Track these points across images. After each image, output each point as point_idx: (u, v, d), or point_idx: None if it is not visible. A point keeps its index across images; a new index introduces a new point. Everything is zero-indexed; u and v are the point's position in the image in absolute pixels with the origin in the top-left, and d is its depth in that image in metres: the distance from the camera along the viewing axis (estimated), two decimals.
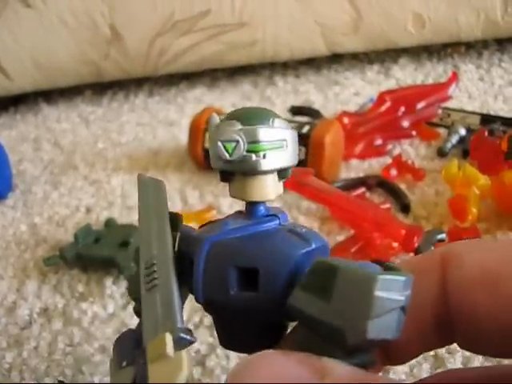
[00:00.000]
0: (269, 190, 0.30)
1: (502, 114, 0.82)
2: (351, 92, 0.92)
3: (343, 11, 0.89)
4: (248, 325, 0.30)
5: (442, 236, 0.55)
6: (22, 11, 0.88)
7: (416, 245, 0.53)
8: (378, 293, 0.24)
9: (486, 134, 0.72)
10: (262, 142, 0.28)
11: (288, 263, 0.28)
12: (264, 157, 0.29)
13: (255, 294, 0.28)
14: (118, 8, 0.88)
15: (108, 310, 0.56)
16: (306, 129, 0.68)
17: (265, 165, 0.29)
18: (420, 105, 0.78)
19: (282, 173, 0.30)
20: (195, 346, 0.50)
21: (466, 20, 0.92)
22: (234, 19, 0.89)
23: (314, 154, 0.66)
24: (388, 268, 0.26)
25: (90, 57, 0.92)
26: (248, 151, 0.28)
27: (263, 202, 0.30)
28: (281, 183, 0.30)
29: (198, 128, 0.72)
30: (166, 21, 0.89)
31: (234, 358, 0.50)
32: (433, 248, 0.54)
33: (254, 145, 0.28)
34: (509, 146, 0.67)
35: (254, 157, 0.29)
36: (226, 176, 0.30)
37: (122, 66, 0.93)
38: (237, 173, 0.30)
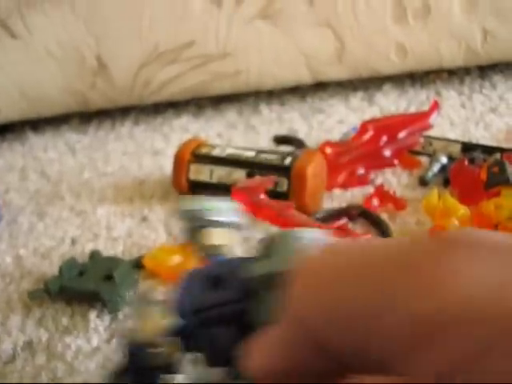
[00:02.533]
0: None
1: (483, 141, 0.84)
2: (335, 120, 0.93)
3: (327, 42, 0.91)
4: None
5: None
6: (8, 42, 0.89)
7: None
8: None
9: (466, 162, 0.73)
10: None
11: None
12: None
13: None
14: (103, 39, 0.89)
15: (92, 343, 0.57)
16: (288, 160, 0.69)
17: None
18: (402, 134, 0.79)
19: None
20: None
21: (448, 49, 0.94)
22: (218, 50, 0.90)
23: (295, 186, 0.67)
24: None
25: (76, 87, 0.92)
26: None
27: None
28: None
29: (183, 159, 0.73)
30: (151, 52, 0.90)
31: None
32: None
33: None
34: (488, 175, 0.69)
35: None
36: None
37: (108, 96, 0.94)
38: None
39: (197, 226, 0.42)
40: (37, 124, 1.02)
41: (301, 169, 0.67)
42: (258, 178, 0.67)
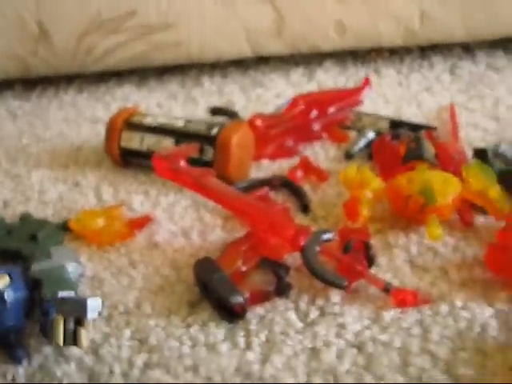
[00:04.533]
0: None
1: (414, 119, 0.86)
2: (273, 93, 0.95)
3: (267, 16, 0.93)
4: None
5: (329, 236, 0.58)
6: None
7: (302, 244, 0.57)
8: None
9: (389, 138, 0.75)
10: None
11: None
12: None
13: None
14: (45, 4, 0.89)
15: None
16: (214, 130, 0.71)
17: None
18: (332, 108, 0.82)
19: None
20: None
21: (386, 28, 0.96)
22: (159, 20, 0.91)
23: (220, 155, 0.69)
24: None
25: (17, 53, 0.93)
26: None
27: None
28: None
29: (115, 127, 0.75)
30: (93, 19, 0.91)
31: (126, 347, 0.53)
32: (318, 248, 0.57)
33: None
34: (406, 150, 0.71)
35: None
36: None
37: (50, 63, 0.95)
38: None
39: None
40: None
41: (225, 138, 0.69)
42: (181, 146, 0.69)
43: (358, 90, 0.85)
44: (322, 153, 0.79)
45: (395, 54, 1.06)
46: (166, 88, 1.00)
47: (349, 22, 0.95)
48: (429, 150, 0.71)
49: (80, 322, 0.50)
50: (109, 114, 0.91)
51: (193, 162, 0.69)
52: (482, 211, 0.66)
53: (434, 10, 0.95)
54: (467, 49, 1.06)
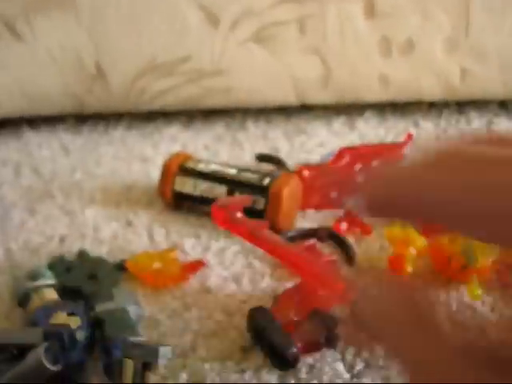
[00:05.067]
0: None
1: None
2: (316, 142, 0.98)
3: (314, 67, 0.96)
4: None
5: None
6: (14, 44, 0.94)
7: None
8: None
9: None
10: None
11: None
12: None
13: None
14: (104, 48, 0.94)
15: None
16: (266, 181, 0.74)
17: None
18: (375, 162, 0.85)
19: None
20: None
21: (428, 83, 1.00)
22: (212, 67, 0.95)
23: (271, 206, 0.73)
24: None
25: (74, 90, 0.97)
26: None
27: None
28: None
29: (169, 170, 0.79)
30: (148, 63, 0.95)
31: None
32: None
33: None
34: None
35: None
36: None
37: (104, 101, 0.99)
38: None
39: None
40: (33, 122, 1.06)
41: (277, 190, 0.73)
42: (236, 197, 0.72)
43: (400, 145, 0.88)
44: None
45: (433, 107, 1.09)
46: (212, 130, 1.03)
47: (392, 75, 0.98)
48: None
49: (147, 365, 0.53)
50: (157, 154, 0.95)
51: (245, 210, 0.72)
52: None
53: (474, 68, 0.98)
54: (503, 105, 1.09)
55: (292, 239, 0.73)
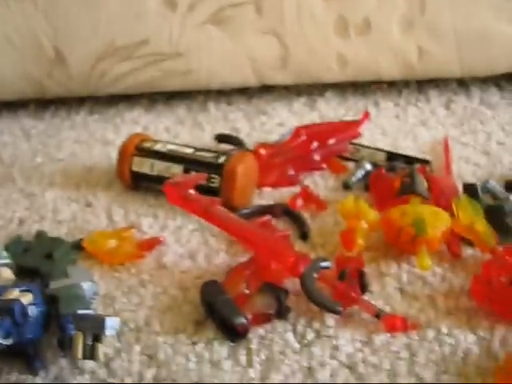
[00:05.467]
0: None
1: (408, 151, 0.91)
2: (276, 122, 0.99)
3: (272, 48, 0.97)
4: None
5: (326, 264, 0.63)
6: None
7: (301, 271, 0.61)
8: None
9: (385, 171, 0.80)
10: None
11: None
12: None
13: None
14: (62, 31, 0.94)
15: None
16: (221, 159, 0.76)
17: None
18: (332, 140, 0.86)
19: None
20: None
21: (386, 63, 1.01)
22: (170, 49, 0.96)
23: (226, 183, 0.74)
24: None
25: (33, 75, 0.98)
26: None
27: None
28: None
29: (127, 152, 0.79)
30: (107, 46, 0.96)
31: (136, 362, 0.58)
32: (316, 275, 0.62)
33: None
34: (401, 183, 0.76)
35: None
36: None
37: (65, 85, 0.99)
38: None
39: None
40: None
41: (231, 168, 0.74)
42: (189, 174, 0.73)
43: (357, 123, 0.89)
44: (321, 182, 0.84)
45: (393, 86, 1.10)
46: (174, 112, 1.04)
47: (350, 55, 0.99)
48: (422, 184, 0.76)
49: (97, 338, 0.54)
50: (119, 137, 0.96)
51: (200, 188, 0.73)
52: (470, 244, 0.70)
53: (431, 47, 0.99)
54: (462, 84, 1.10)
55: (247, 216, 0.74)
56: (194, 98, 1.08)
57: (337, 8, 0.96)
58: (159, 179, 0.77)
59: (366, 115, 0.91)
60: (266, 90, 1.08)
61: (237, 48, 0.97)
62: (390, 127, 0.99)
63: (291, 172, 0.83)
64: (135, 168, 0.79)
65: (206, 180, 0.75)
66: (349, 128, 0.89)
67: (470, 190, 0.77)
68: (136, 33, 0.95)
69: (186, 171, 0.76)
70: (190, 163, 0.77)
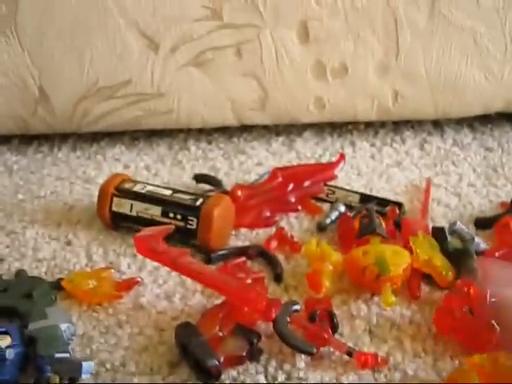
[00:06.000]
0: None
1: (382, 192, 0.94)
2: (254, 162, 1.02)
3: (252, 90, 1.00)
4: None
5: (297, 307, 0.65)
6: None
7: (274, 315, 0.63)
8: None
9: (349, 214, 0.83)
10: None
11: None
12: None
13: None
14: (46, 71, 0.97)
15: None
16: (199, 201, 0.78)
17: None
18: (307, 182, 0.89)
19: None
20: None
21: (362, 105, 1.04)
22: (152, 90, 0.98)
23: (203, 226, 0.76)
24: None
25: (18, 113, 1.00)
26: None
27: None
28: None
29: (107, 192, 0.82)
30: (90, 86, 0.98)
31: None
32: (288, 318, 0.64)
33: None
34: (360, 225, 0.79)
35: None
36: None
37: (48, 123, 1.02)
38: None
39: None
40: None
41: (208, 211, 0.76)
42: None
43: (333, 165, 0.92)
44: (296, 224, 0.86)
45: (369, 126, 1.13)
46: (155, 150, 1.07)
47: (327, 98, 1.03)
48: (380, 224, 0.79)
49: (73, 380, 0.56)
50: (100, 174, 0.98)
51: (178, 229, 0.75)
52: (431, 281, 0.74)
53: (406, 90, 1.03)
54: (437, 124, 1.14)
55: (223, 257, 0.76)
56: (175, 136, 1.10)
57: (314, 52, 0.99)
58: (139, 220, 0.79)
59: (342, 157, 0.94)
60: (245, 129, 1.10)
61: (217, 89, 1.00)
62: (366, 168, 1.02)
63: (267, 213, 0.85)
64: (115, 208, 0.81)
65: (184, 222, 0.77)
66: (325, 170, 0.92)
67: (438, 233, 0.80)
68: (119, 74, 0.98)
69: (164, 213, 0.78)
70: (168, 205, 0.79)
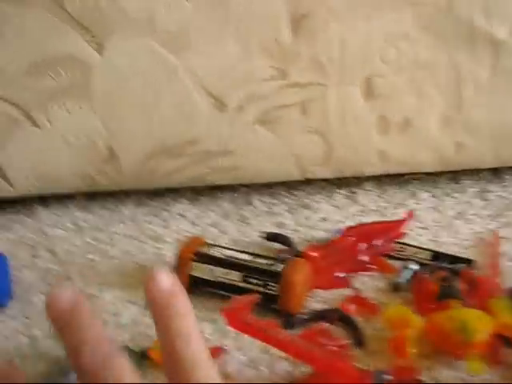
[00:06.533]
0: None
1: (451, 247, 0.94)
2: (319, 217, 1.03)
3: (316, 145, 1.01)
4: None
5: (388, 377, 0.65)
6: (30, 130, 0.98)
7: None
8: None
9: (426, 275, 0.83)
10: None
11: None
12: None
13: None
14: (116, 134, 0.99)
15: None
16: (278, 267, 0.79)
17: None
18: (378, 241, 0.89)
19: None
20: None
21: (424, 157, 1.05)
22: (219, 148, 1.00)
23: (284, 291, 0.77)
24: None
25: (87, 171, 1.02)
26: None
27: None
28: None
29: (185, 257, 0.83)
30: (158, 145, 1.00)
31: None
32: None
33: None
34: (440, 287, 0.79)
35: None
36: None
37: (116, 181, 1.03)
38: None
39: None
40: (45, 200, 1.10)
41: (290, 277, 0.77)
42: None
43: (401, 223, 0.93)
44: (370, 284, 0.87)
45: (429, 175, 1.14)
46: (219, 206, 1.08)
47: (390, 151, 1.03)
48: (458, 288, 0.79)
49: None
50: (168, 231, 1.00)
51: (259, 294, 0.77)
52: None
53: (467, 142, 1.03)
54: (496, 172, 1.14)
55: (305, 321, 0.77)
56: (238, 191, 1.11)
57: (378, 108, 1.00)
58: (218, 285, 0.80)
59: (410, 214, 0.94)
60: (307, 181, 1.11)
61: (283, 146, 1.01)
62: (430, 221, 1.02)
63: (341, 273, 0.86)
64: (194, 273, 0.82)
65: (264, 287, 0.78)
66: (393, 228, 0.92)
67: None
68: (186, 133, 1.00)
69: (245, 278, 0.79)
70: (248, 270, 0.80)
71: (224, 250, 0.84)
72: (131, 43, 0.94)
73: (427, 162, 1.07)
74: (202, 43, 0.95)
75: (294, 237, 0.97)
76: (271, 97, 0.98)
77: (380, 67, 0.98)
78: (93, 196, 1.12)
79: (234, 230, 1.00)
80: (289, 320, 0.77)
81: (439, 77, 0.99)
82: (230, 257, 0.82)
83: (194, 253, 0.83)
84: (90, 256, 0.96)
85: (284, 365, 0.73)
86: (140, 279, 0.89)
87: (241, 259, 0.81)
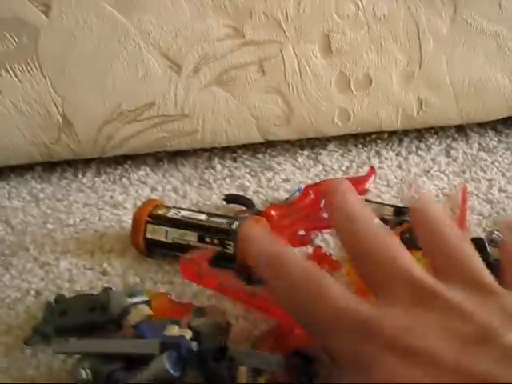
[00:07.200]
0: None
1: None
2: (282, 178, 1.01)
3: (276, 106, 0.99)
4: None
5: None
6: None
7: None
8: None
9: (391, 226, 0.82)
10: None
11: None
12: None
13: None
14: (69, 99, 0.96)
15: None
16: (235, 225, 0.77)
17: None
18: None
19: None
20: None
21: (387, 115, 1.03)
22: (176, 111, 0.98)
23: (242, 248, 0.75)
24: None
25: (41, 140, 0.99)
26: None
27: None
28: None
29: (141, 220, 0.81)
30: (113, 110, 0.97)
31: None
32: None
33: None
34: (401, 239, 0.78)
35: None
36: None
37: (72, 149, 1.01)
38: None
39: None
40: (1, 171, 1.08)
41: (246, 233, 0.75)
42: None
43: (364, 179, 0.91)
44: (332, 240, 0.85)
45: (393, 135, 1.13)
46: (180, 171, 1.06)
47: (352, 110, 1.02)
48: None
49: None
50: (127, 198, 0.97)
51: (216, 254, 0.74)
52: None
53: (430, 98, 1.02)
54: (461, 129, 1.13)
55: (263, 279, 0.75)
56: (200, 155, 1.09)
57: (337, 65, 0.98)
58: (174, 246, 0.78)
59: (373, 171, 0.93)
60: (269, 144, 1.09)
61: (241, 107, 0.99)
62: (394, 178, 1.01)
63: (302, 232, 0.84)
64: (149, 235, 0.80)
65: (221, 246, 0.76)
66: (356, 184, 0.90)
67: (477, 244, 0.78)
68: (142, 96, 0.97)
69: (201, 238, 0.77)
70: (204, 230, 0.78)
71: (181, 211, 0.81)
72: (79, 4, 0.91)
73: (390, 120, 1.05)
74: (153, 2, 0.92)
75: (256, 198, 0.95)
76: (227, 56, 0.96)
77: (337, 23, 0.96)
78: (52, 166, 1.09)
79: (195, 194, 0.98)
80: (246, 278, 0.75)
81: (398, 31, 0.97)
82: (186, 217, 0.80)
83: (149, 215, 0.80)
84: (48, 226, 0.93)
85: (241, 324, 0.72)
86: (97, 246, 0.87)
87: (197, 219, 0.79)
